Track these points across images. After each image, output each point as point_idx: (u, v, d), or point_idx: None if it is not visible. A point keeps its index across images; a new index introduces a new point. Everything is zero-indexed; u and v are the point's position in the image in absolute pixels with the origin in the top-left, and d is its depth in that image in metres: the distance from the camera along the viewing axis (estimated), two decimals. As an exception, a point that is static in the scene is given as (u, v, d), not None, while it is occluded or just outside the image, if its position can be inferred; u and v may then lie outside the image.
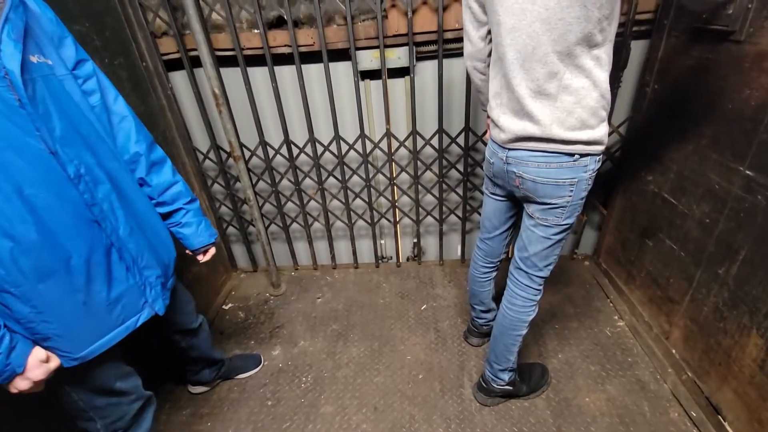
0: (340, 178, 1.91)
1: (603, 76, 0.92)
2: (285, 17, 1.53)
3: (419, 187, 1.93)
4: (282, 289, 2.11)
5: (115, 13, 1.47)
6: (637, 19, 1.50)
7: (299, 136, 1.85)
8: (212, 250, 1.23)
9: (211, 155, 1.89)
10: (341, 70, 1.71)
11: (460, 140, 1.79)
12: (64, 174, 0.79)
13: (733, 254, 1.20)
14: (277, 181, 1.94)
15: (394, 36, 1.59)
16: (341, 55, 1.66)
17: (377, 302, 1.97)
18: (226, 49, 1.64)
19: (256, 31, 1.61)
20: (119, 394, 0.98)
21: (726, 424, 1.25)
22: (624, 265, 1.82)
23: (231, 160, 1.82)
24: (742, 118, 1.14)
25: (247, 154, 1.86)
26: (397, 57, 1.62)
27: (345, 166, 1.88)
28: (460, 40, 1.52)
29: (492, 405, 1.43)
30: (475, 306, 1.56)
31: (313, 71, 1.71)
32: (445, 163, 1.85)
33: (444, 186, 1.92)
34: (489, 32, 1.06)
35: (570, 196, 1.04)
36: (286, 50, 1.63)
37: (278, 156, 1.88)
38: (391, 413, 1.44)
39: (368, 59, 1.64)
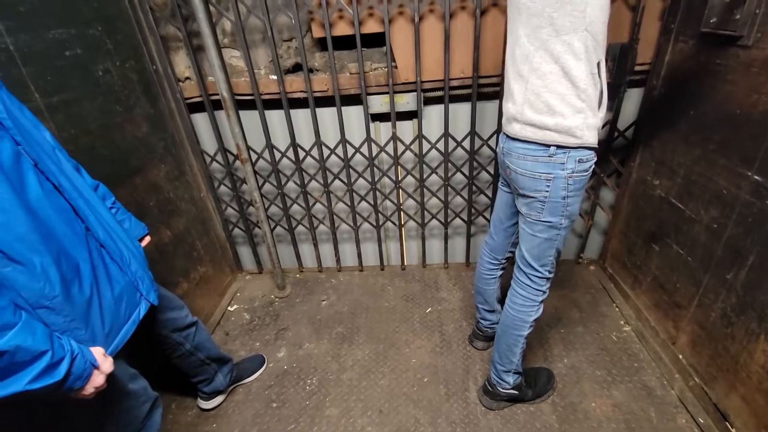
0: (345, 181, 1.92)
1: (576, 63, 0.91)
2: (302, 65, 1.63)
3: (424, 190, 1.93)
4: (287, 291, 2.11)
5: (126, 18, 1.49)
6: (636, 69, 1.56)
7: (305, 139, 1.87)
8: (148, 238, 1.23)
9: (219, 157, 1.91)
10: (353, 113, 1.82)
11: (466, 144, 1.80)
12: (49, 184, 0.81)
13: (741, 259, 1.19)
14: (283, 183, 1.96)
15: (404, 83, 1.69)
16: (353, 99, 1.76)
17: (382, 305, 1.97)
18: (245, 94, 1.76)
19: (273, 77, 1.71)
20: (131, 396, 0.99)
21: (734, 431, 1.23)
22: (630, 270, 1.81)
23: (238, 163, 1.83)
24: (751, 123, 1.14)
25: (254, 156, 1.88)
26: (406, 102, 1.73)
27: (351, 169, 1.89)
28: (466, 86, 1.67)
29: (497, 409, 1.42)
30: (480, 306, 1.56)
31: (326, 113, 1.83)
32: (450, 166, 1.85)
33: (449, 189, 1.93)
34: None
35: (546, 191, 1.06)
36: (301, 95, 1.73)
37: (284, 159, 1.89)
38: (396, 416, 1.44)
39: (378, 103, 1.74)
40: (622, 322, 1.75)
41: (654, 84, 1.57)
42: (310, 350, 1.75)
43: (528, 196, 1.10)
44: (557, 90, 0.94)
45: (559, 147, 1.00)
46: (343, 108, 1.74)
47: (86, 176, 1.04)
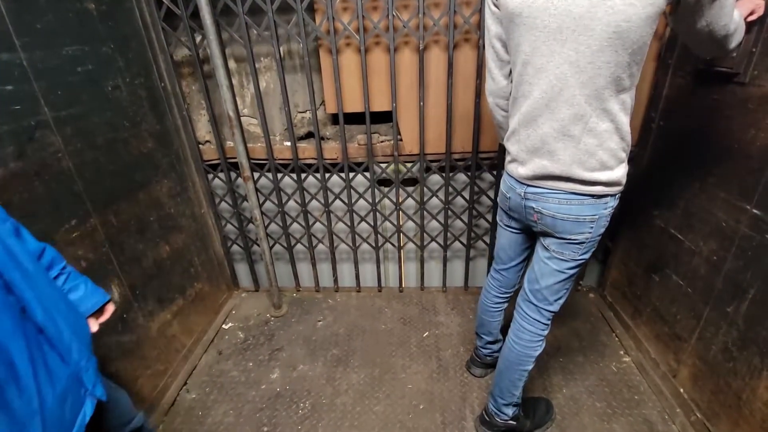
0: (346, 201, 1.93)
1: (626, 119, 0.93)
2: (314, 134, 1.77)
3: (424, 212, 1.94)
4: (283, 311, 2.09)
5: (139, 37, 1.53)
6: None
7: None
8: (111, 307, 1.01)
9: (221, 174, 1.92)
10: (359, 177, 1.94)
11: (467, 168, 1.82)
12: None
13: (741, 293, 1.19)
14: (284, 201, 1.96)
15: (408, 155, 1.82)
16: (360, 164, 1.87)
17: (379, 328, 1.94)
18: (260, 159, 1.88)
19: (287, 143, 1.85)
20: None
21: (738, 471, 1.20)
22: (630, 300, 1.80)
23: (239, 180, 1.85)
24: (749, 158, 1.16)
25: (256, 174, 1.89)
26: (409, 171, 1.84)
27: (352, 190, 1.90)
28: (465, 159, 1.79)
29: (495, 440, 1.39)
30: (483, 336, 1.53)
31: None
32: (450, 189, 1.86)
33: (449, 212, 1.93)
34: (511, 71, 1.08)
35: (590, 232, 1.04)
36: (312, 161, 1.85)
37: (286, 177, 1.90)
38: (390, 445, 1.40)
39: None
40: (622, 353, 1.73)
41: (652, 116, 1.60)
42: (304, 372, 1.71)
43: (565, 238, 1.06)
44: (610, 147, 0.93)
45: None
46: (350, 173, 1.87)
47: (28, 239, 0.85)
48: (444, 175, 1.83)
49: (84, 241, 1.27)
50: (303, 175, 1.89)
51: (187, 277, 1.82)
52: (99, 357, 1.29)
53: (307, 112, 1.88)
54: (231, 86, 1.61)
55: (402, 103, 1.71)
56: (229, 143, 1.85)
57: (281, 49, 1.68)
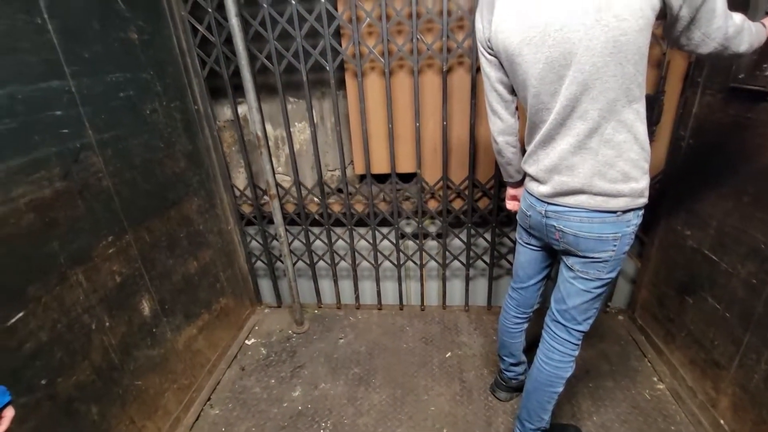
0: (369, 220, 1.94)
1: (643, 128, 0.93)
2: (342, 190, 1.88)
3: (447, 230, 1.94)
4: (305, 327, 2.10)
5: (176, 63, 1.61)
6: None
7: (334, 178, 1.92)
8: (10, 412, 0.71)
9: (248, 192, 1.98)
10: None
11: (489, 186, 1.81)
12: None
13: (785, 319, 1.13)
14: (307, 219, 2.00)
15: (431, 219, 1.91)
16: (386, 220, 1.95)
17: (400, 347, 1.93)
18: (292, 213, 2.00)
19: (317, 200, 1.94)
20: None
21: None
22: (662, 323, 1.73)
23: (266, 197, 1.89)
24: (787, 178, 1.12)
25: (281, 192, 1.94)
26: (433, 227, 1.93)
27: (374, 208, 1.92)
28: (486, 222, 1.87)
29: (521, 468, 1.34)
30: (505, 358, 1.50)
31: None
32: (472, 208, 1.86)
33: (472, 231, 1.92)
34: (516, 108, 1.11)
35: (613, 250, 1.02)
36: (341, 216, 1.95)
37: (310, 195, 1.94)
38: (413, 469, 1.37)
39: (408, 226, 1.95)
40: (655, 379, 1.66)
41: (681, 134, 1.57)
42: (326, 391, 1.71)
43: (589, 257, 1.05)
44: (631, 157, 0.93)
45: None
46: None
47: None
48: (467, 193, 1.83)
49: (119, 257, 1.32)
50: (326, 193, 1.93)
51: (213, 292, 1.86)
52: (129, 371, 1.34)
53: (336, 170, 2.01)
54: (260, 108, 1.67)
55: (426, 127, 1.74)
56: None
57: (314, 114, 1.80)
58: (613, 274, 1.08)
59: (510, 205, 1.39)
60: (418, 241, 1.99)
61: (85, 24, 1.20)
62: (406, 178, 1.93)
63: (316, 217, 1.99)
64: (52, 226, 1.09)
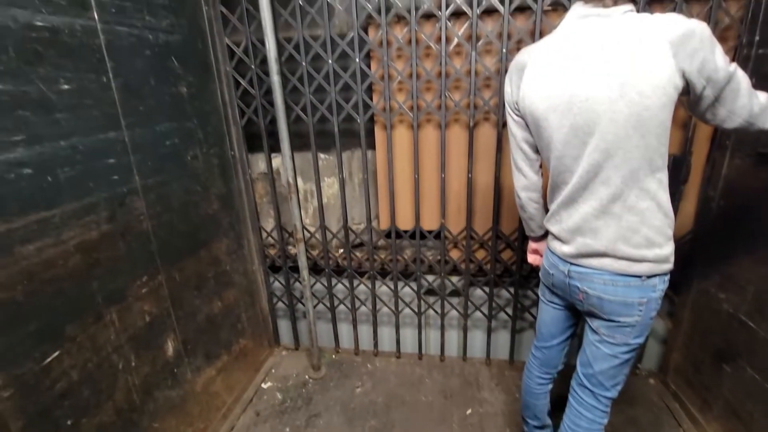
0: (391, 266, 1.96)
1: (666, 197, 0.94)
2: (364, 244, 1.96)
3: (469, 280, 1.92)
4: (322, 373, 2.06)
5: (217, 113, 1.73)
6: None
7: (358, 220, 1.96)
8: None
9: (274, 234, 2.03)
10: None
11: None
12: None
13: (836, 399, 1.06)
14: (330, 262, 2.02)
15: (454, 269, 1.93)
16: (408, 275, 1.99)
17: (419, 399, 1.87)
18: (317, 256, 2.04)
19: (341, 251, 2.00)
20: None
21: None
22: (697, 390, 1.63)
23: (291, 240, 1.94)
24: (827, 248, 1.09)
25: (307, 235, 1.98)
26: (454, 285, 1.95)
27: (398, 254, 1.93)
28: (509, 273, 1.88)
29: None
30: (529, 420, 1.43)
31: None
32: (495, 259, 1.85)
33: (495, 281, 1.90)
34: (540, 166, 1.15)
35: (640, 315, 1.00)
36: (363, 261, 2.00)
37: (335, 239, 1.98)
38: None
39: (430, 282, 1.98)
40: (692, 453, 1.54)
41: (711, 195, 1.55)
42: (341, 444, 1.65)
43: (615, 321, 1.03)
44: (654, 224, 0.94)
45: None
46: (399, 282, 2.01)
47: None
48: (490, 244, 1.83)
49: (151, 297, 1.36)
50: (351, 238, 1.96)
51: (234, 332, 1.87)
52: (149, 412, 1.34)
53: (362, 224, 2.04)
54: (293, 156, 1.75)
55: (451, 179, 1.78)
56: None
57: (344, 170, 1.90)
58: (640, 340, 1.05)
59: (531, 258, 1.38)
60: (440, 291, 1.97)
61: (143, 81, 1.31)
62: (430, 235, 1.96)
63: (340, 261, 2.01)
64: (94, 266, 1.14)
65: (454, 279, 1.98)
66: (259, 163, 2.04)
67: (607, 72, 0.86)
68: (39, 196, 0.99)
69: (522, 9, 1.50)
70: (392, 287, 2.00)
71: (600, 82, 0.87)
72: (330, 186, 2.05)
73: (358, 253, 1.99)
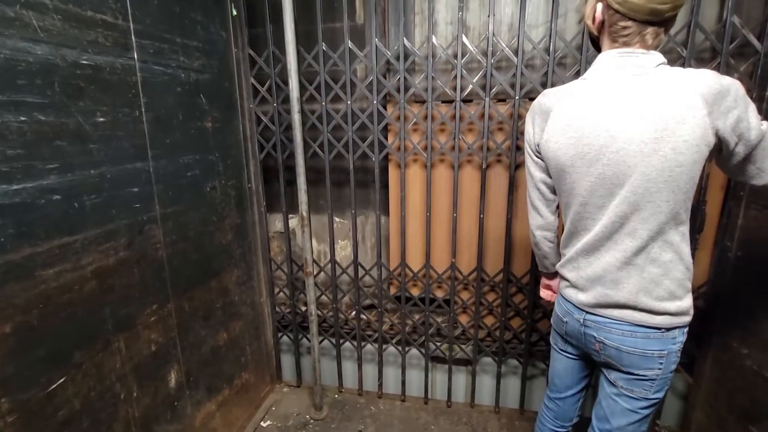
0: (399, 304, 1.93)
1: (687, 249, 0.94)
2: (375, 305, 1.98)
3: (479, 323, 1.88)
4: (323, 413, 1.99)
5: (238, 146, 1.79)
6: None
7: (368, 258, 1.96)
8: None
9: (284, 266, 2.03)
10: (414, 353, 2.06)
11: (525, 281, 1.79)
12: None
13: None
14: (339, 297, 2.00)
15: (461, 334, 1.94)
16: (416, 341, 2.00)
17: (424, 448, 1.78)
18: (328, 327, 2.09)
19: (352, 313, 2.02)
20: None
21: None
22: (723, 453, 1.53)
23: (300, 273, 1.94)
24: None
25: (316, 269, 1.98)
26: (462, 351, 1.94)
27: (407, 293, 1.91)
28: (518, 341, 1.88)
29: None
30: (542, 477, 1.35)
31: (392, 349, 2.07)
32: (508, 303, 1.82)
33: (506, 326, 1.86)
34: (558, 206, 1.13)
35: (660, 368, 0.97)
36: (374, 334, 2.03)
37: (344, 275, 1.97)
38: None
39: (437, 349, 1.98)
40: None
41: (728, 245, 1.53)
42: (341, 493, 1.56)
43: (633, 374, 1.00)
44: (676, 276, 0.93)
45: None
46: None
47: None
48: (501, 288, 1.81)
49: (159, 325, 1.36)
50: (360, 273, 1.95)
51: (237, 366, 1.83)
52: (148, 449, 1.29)
53: (373, 287, 2.05)
54: (307, 191, 1.78)
55: (462, 221, 1.79)
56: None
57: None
58: (660, 394, 1.01)
59: (543, 293, 1.35)
60: (448, 335, 1.93)
61: (173, 116, 1.38)
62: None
63: (349, 297, 1.99)
64: (108, 292, 1.16)
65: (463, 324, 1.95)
66: (276, 223, 2.11)
67: (641, 127, 0.86)
68: (64, 221, 1.02)
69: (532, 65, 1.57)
70: (398, 326, 1.96)
71: (633, 136, 0.87)
72: (343, 248, 2.10)
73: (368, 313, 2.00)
